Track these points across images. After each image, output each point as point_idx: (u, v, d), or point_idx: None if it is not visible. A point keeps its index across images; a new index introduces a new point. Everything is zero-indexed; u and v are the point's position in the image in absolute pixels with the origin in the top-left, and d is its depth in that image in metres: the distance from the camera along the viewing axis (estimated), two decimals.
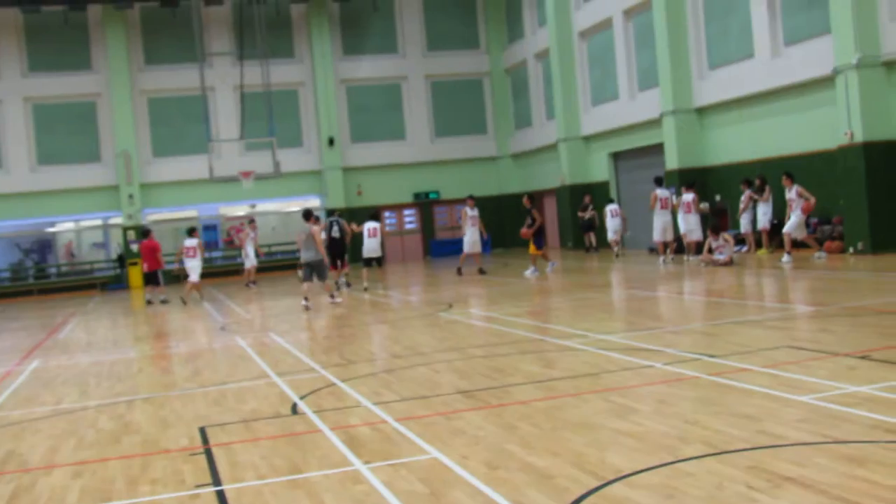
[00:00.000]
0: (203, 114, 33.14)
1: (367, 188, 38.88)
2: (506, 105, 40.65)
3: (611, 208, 28.22)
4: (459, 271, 24.92)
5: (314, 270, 19.03)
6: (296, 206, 38.73)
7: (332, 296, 19.82)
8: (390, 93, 39.06)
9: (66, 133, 36.42)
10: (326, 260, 19.21)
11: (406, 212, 39.45)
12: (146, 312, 22.87)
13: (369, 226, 23.19)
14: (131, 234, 36.32)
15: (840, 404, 7.09)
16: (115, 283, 36.23)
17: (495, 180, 40.78)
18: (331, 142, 37.70)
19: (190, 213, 38.15)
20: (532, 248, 23.18)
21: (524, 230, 22.83)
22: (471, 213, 24.49)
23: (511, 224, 39.49)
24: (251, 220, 29.36)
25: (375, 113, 39.13)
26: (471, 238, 24.55)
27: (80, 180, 36.48)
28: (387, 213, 39.27)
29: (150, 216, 37.74)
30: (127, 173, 36.03)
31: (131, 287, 35.51)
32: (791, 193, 20.37)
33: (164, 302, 24.64)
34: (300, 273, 20.10)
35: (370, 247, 23.16)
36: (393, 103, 39.19)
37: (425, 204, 39.38)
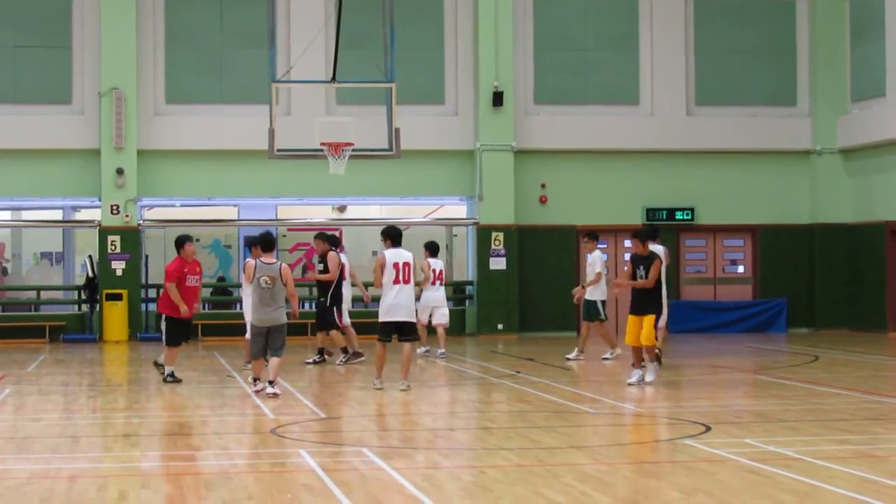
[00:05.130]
0: (268, 30, 22.18)
1: (557, 191, 27.63)
2: (838, 54, 28.41)
3: None
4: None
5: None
6: (421, 211, 29.09)
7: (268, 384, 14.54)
8: (616, 14, 27.90)
9: (11, 49, 26.20)
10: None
11: (628, 243, 27.43)
12: (144, 386, 16.72)
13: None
14: (114, 242, 25.44)
15: None
16: (77, 332, 25.91)
17: (806, 194, 28.36)
18: (497, 100, 26.66)
19: (222, 211, 28.33)
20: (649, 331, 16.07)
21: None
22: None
23: (829, 281, 28.05)
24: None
25: (584, 52, 27.86)
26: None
27: (29, 136, 26.09)
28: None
29: (151, 211, 27.25)
30: (116, 129, 25.46)
31: (106, 339, 25.19)
32: None
33: (170, 377, 16.52)
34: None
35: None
36: (620, 35, 27.93)
37: (666, 231, 27.53)
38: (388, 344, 15.08)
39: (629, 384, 15.22)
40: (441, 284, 20.50)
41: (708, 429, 11.73)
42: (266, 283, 14.03)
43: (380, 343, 14.96)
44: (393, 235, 15.31)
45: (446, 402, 14.55)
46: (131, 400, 14.90)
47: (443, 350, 20.09)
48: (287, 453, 10.50)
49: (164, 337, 16.24)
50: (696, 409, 13.43)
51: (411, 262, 15.20)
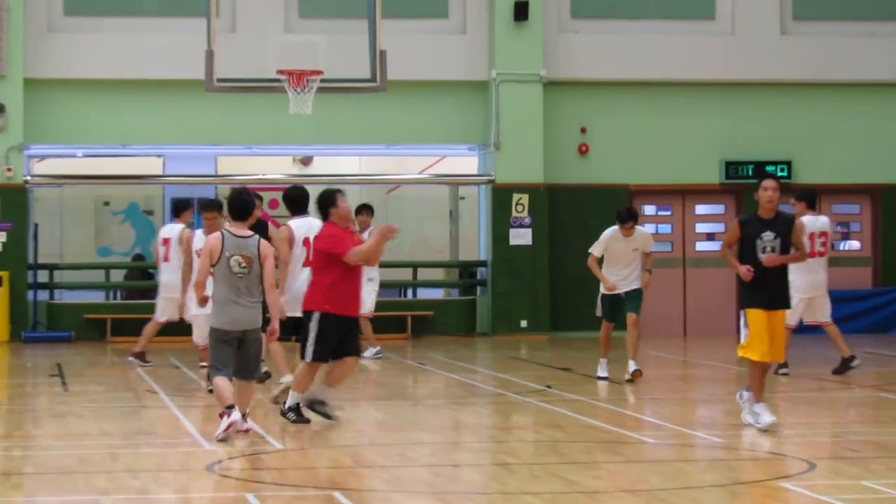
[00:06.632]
0: None
1: (602, 137, 28.70)
2: None
3: None
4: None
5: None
6: (416, 165, 31.12)
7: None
8: None
9: None
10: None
11: (701, 209, 29.65)
12: (30, 406, 17.90)
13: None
14: None
15: None
16: None
17: None
18: (520, 13, 27.68)
19: (141, 163, 30.56)
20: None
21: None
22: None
23: None
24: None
25: None
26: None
27: None
28: (648, 209, 29.03)
29: (42, 164, 29.27)
30: None
31: None
32: None
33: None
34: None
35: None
36: None
37: (751, 192, 28.16)
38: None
39: (760, 429, 14.18)
40: None
41: (812, 466, 12.11)
42: (240, 265, 13.53)
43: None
44: (292, 199, 15.33)
45: (449, 429, 14.96)
46: (13, 425, 15.32)
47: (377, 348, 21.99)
48: (229, 498, 10.76)
49: None
50: (795, 439, 13.85)
51: None
